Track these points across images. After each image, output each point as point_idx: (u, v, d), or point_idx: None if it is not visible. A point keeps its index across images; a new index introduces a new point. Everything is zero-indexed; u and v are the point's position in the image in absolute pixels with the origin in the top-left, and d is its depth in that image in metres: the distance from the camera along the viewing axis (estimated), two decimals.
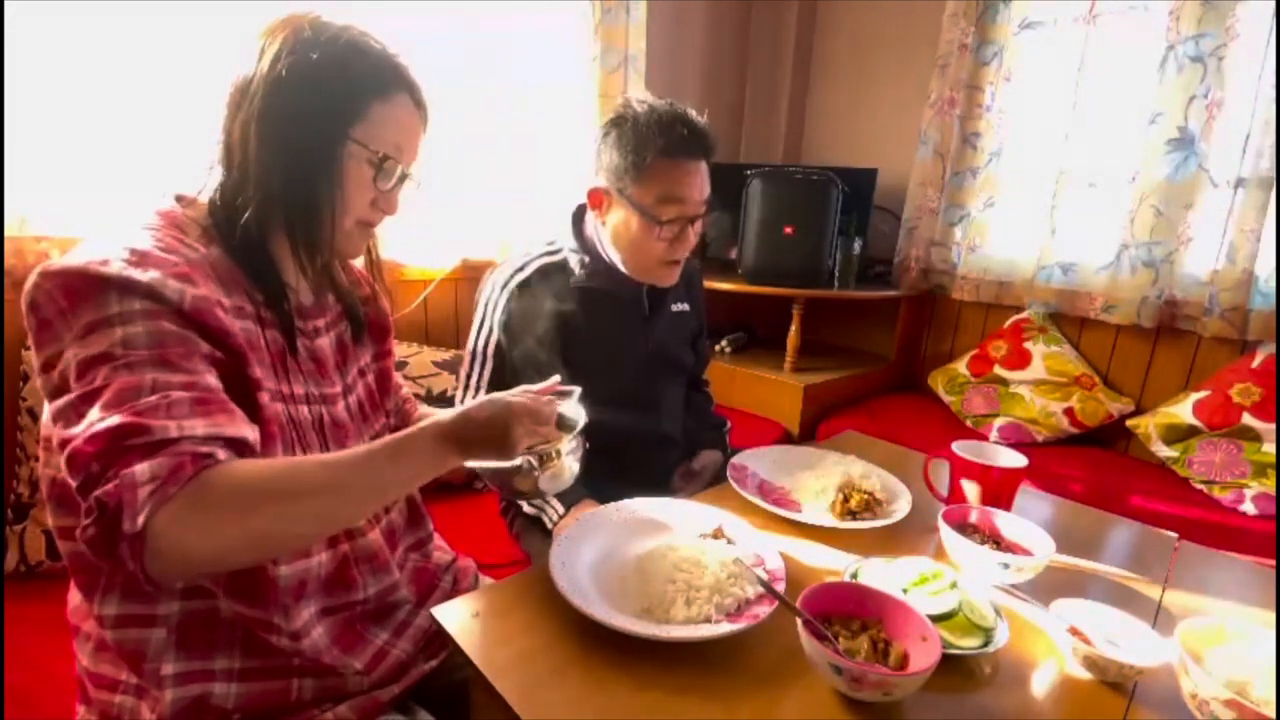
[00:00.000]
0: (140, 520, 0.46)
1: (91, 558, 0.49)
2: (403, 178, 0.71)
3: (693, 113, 1.05)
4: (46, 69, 1.20)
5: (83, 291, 0.53)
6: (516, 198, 1.96)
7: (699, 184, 1.05)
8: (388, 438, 0.61)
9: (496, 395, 0.68)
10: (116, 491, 0.47)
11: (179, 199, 0.67)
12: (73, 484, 0.49)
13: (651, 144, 1.01)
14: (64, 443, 0.50)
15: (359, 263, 0.84)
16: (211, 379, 0.56)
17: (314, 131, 0.64)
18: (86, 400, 0.51)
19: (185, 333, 0.56)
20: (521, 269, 1.11)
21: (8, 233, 1.18)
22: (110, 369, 0.51)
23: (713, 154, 1.07)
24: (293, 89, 0.62)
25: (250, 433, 0.56)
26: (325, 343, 0.76)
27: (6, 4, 1.10)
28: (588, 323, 1.11)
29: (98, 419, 0.49)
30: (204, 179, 0.68)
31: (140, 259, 0.55)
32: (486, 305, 1.11)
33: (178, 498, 0.48)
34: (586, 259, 1.12)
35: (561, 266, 1.12)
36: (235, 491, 0.51)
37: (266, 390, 0.63)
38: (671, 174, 1.03)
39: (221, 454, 0.52)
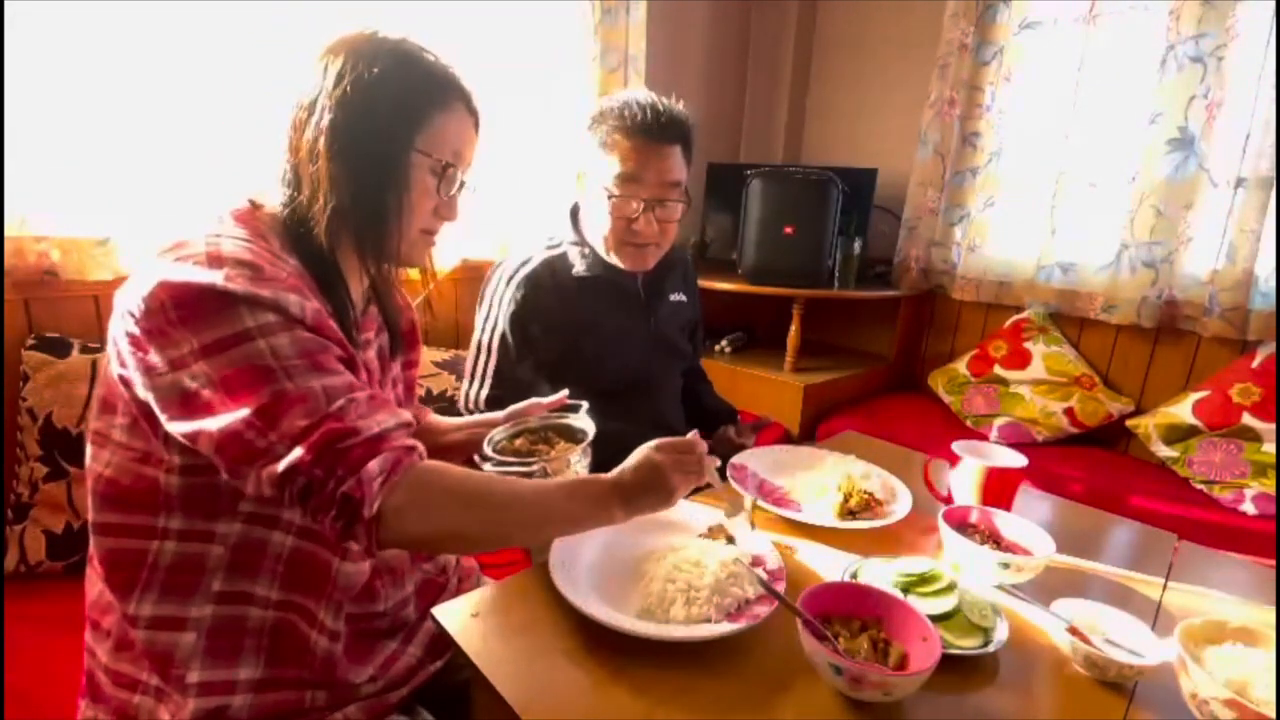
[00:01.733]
0: (375, 507, 0.55)
1: (330, 540, 0.62)
2: (462, 184, 0.73)
3: (665, 100, 1.06)
4: (47, 68, 1.20)
5: (206, 308, 0.55)
6: (516, 198, 1.96)
7: (657, 166, 1.05)
8: (567, 479, 0.71)
9: (644, 453, 0.72)
10: (359, 487, 0.54)
11: (252, 204, 0.68)
12: (277, 492, 0.55)
13: (609, 120, 1.05)
14: (255, 455, 0.54)
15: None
16: (354, 377, 0.61)
17: (382, 143, 0.66)
18: (267, 417, 0.54)
19: (320, 339, 0.59)
20: (525, 263, 1.14)
21: (8, 233, 1.18)
22: (274, 381, 0.55)
23: (682, 139, 1.07)
24: (359, 103, 0.64)
25: (410, 415, 0.64)
26: (371, 353, 0.77)
27: (6, 4, 1.10)
28: (591, 312, 1.14)
29: (301, 430, 0.54)
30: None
31: (255, 274, 0.57)
32: (492, 299, 1.14)
33: (400, 488, 0.57)
34: (586, 250, 1.15)
35: (563, 259, 1.15)
36: (448, 489, 0.61)
37: None
38: (628, 151, 1.04)
39: (419, 445, 0.61)
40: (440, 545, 0.71)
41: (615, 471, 0.70)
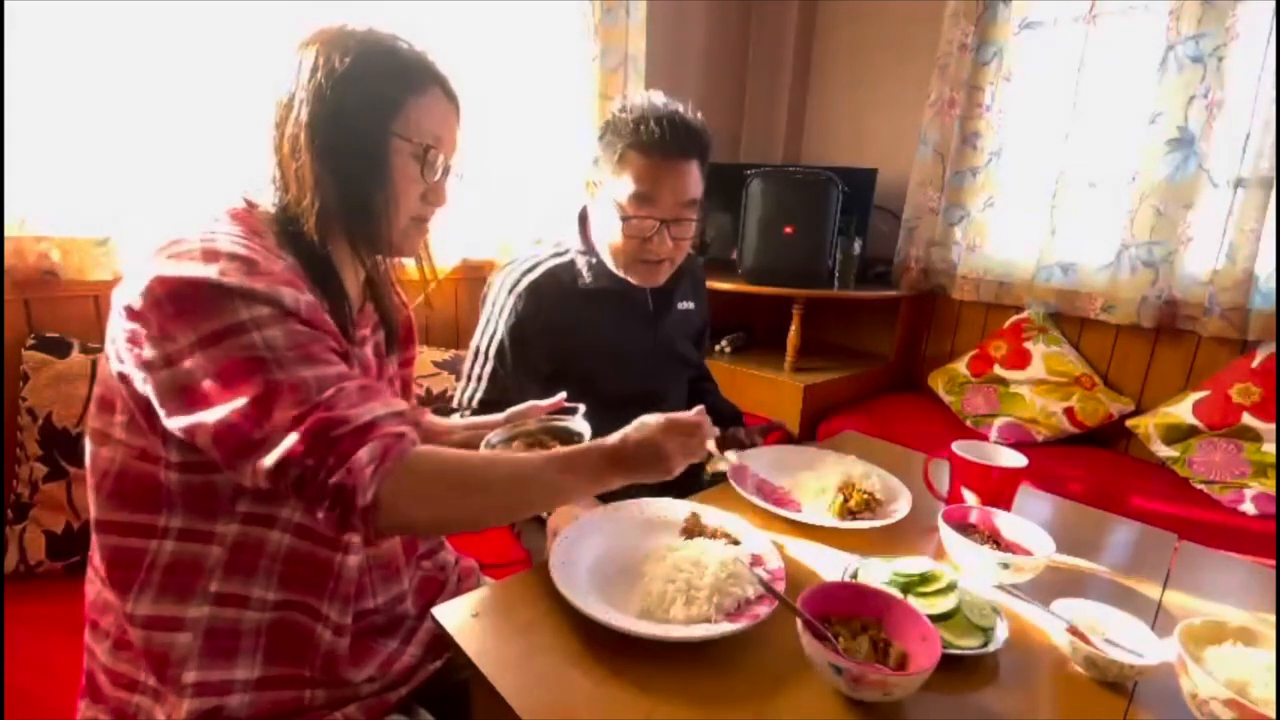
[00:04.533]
0: (370, 495, 0.55)
1: (326, 531, 0.63)
2: (446, 169, 0.73)
3: (684, 110, 1.02)
4: (47, 68, 1.20)
5: (201, 302, 0.55)
6: (516, 198, 1.96)
7: (674, 185, 1.01)
8: (560, 450, 0.70)
9: (646, 419, 0.73)
10: (349, 477, 0.54)
11: (247, 204, 0.68)
12: (273, 484, 0.55)
13: (625, 135, 1.00)
14: (250, 447, 0.54)
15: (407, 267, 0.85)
16: (347, 368, 0.62)
17: (359, 132, 0.66)
18: (261, 407, 0.54)
19: (313, 331, 0.59)
20: (530, 270, 1.11)
21: (8, 233, 1.18)
22: (266, 372, 0.55)
23: (700, 154, 1.03)
24: (332, 95, 0.64)
25: (406, 405, 0.64)
26: (368, 350, 0.77)
27: (6, 4, 1.10)
28: (596, 325, 1.11)
29: (292, 420, 0.54)
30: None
31: (250, 268, 0.58)
32: (494, 306, 1.12)
33: (394, 474, 0.57)
34: (593, 260, 1.12)
35: (569, 268, 1.12)
36: (441, 474, 0.61)
37: None
38: (643, 170, 1.00)
39: (409, 431, 0.60)
40: (440, 528, 0.75)
41: (616, 438, 0.71)
